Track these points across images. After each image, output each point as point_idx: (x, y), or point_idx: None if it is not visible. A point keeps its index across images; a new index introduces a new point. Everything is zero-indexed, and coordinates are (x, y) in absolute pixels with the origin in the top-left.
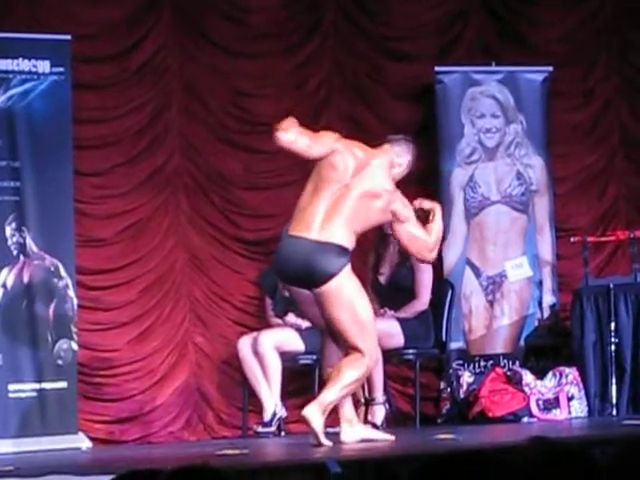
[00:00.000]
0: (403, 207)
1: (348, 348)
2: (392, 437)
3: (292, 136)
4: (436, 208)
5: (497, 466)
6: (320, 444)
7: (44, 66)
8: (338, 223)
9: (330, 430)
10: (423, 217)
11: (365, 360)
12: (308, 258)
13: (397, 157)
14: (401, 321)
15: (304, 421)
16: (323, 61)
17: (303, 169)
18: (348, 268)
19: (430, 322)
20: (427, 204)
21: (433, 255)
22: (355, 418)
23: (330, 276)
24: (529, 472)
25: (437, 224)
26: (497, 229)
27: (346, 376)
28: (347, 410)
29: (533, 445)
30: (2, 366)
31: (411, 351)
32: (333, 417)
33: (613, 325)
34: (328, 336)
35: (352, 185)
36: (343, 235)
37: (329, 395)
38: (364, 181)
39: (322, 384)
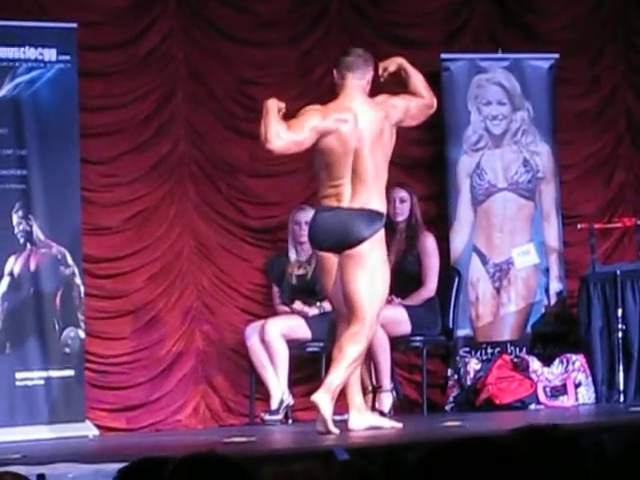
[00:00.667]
0: (398, 110)
1: (351, 316)
2: (399, 424)
3: (283, 142)
4: (401, 62)
5: (503, 453)
6: (328, 431)
7: (50, 54)
8: (365, 190)
9: (338, 417)
10: (398, 80)
11: (365, 330)
12: (345, 224)
13: (362, 79)
14: (408, 308)
15: (313, 407)
16: (329, 50)
17: (308, 156)
18: (381, 233)
19: (437, 309)
20: (392, 67)
21: (435, 101)
22: (363, 405)
23: (363, 239)
24: (532, 459)
25: (414, 78)
26: (504, 216)
27: (348, 354)
28: (355, 397)
29: (521, 434)
30: (9, 354)
31: (418, 338)
32: (340, 404)
33: (620, 312)
34: (341, 319)
35: (359, 147)
36: (374, 200)
37: (335, 377)
38: (364, 133)
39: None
